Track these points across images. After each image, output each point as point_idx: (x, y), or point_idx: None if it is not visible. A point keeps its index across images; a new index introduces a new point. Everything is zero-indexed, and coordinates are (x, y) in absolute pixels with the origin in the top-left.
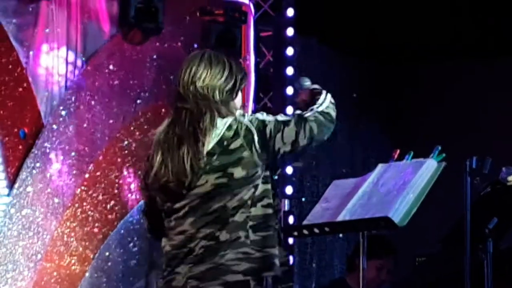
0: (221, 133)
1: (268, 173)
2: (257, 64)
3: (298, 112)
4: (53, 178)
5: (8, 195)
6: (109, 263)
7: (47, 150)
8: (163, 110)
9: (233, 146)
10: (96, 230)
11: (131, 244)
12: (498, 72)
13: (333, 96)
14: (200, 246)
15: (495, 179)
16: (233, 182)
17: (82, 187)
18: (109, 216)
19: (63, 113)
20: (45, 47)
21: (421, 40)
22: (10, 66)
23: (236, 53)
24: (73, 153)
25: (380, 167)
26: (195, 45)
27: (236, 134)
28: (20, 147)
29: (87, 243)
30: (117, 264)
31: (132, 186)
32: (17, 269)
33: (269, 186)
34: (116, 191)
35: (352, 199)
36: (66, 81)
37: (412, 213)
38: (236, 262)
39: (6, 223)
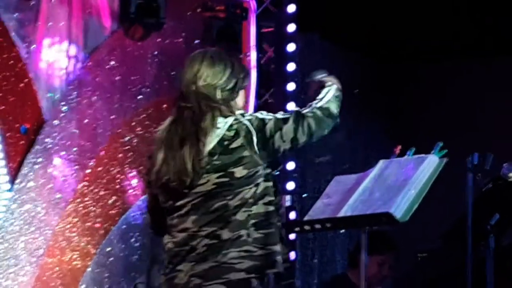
0: (222, 133)
1: (269, 170)
2: (258, 60)
3: (296, 109)
4: (55, 174)
5: (10, 190)
6: (111, 258)
7: (49, 146)
8: (164, 105)
9: (233, 145)
10: (97, 225)
11: (133, 240)
12: (497, 70)
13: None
14: (203, 244)
15: (496, 175)
16: (235, 181)
17: (84, 183)
18: (111, 212)
19: (65, 108)
20: (46, 42)
21: (422, 38)
22: (11, 62)
23: (238, 49)
24: (74, 149)
25: (381, 163)
26: (197, 41)
27: (237, 134)
28: (22, 142)
29: (88, 238)
30: (119, 259)
31: (134, 181)
32: (19, 264)
33: (270, 183)
34: (117, 186)
35: (354, 195)
36: (67, 77)
37: (414, 209)
38: (238, 260)
39: (8, 218)
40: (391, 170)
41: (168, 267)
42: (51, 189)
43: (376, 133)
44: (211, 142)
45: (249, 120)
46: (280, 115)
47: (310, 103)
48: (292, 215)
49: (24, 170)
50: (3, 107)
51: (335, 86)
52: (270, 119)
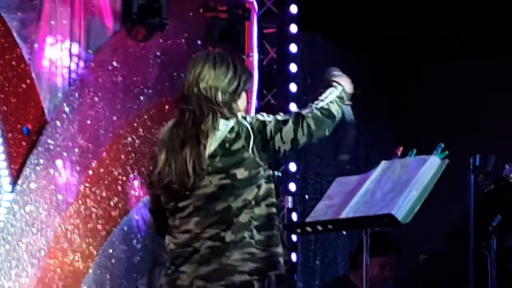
0: (223, 135)
1: (271, 172)
2: (260, 61)
3: (296, 110)
4: (57, 175)
5: (12, 191)
6: (113, 260)
7: (51, 147)
8: (166, 106)
9: (235, 147)
10: (99, 226)
11: (135, 241)
12: (499, 70)
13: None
14: (206, 246)
15: (498, 176)
16: (237, 183)
17: (86, 184)
18: (113, 213)
19: (67, 109)
20: (48, 43)
21: (423, 37)
22: (14, 62)
23: (240, 50)
24: (76, 150)
25: (383, 164)
26: (199, 42)
27: (238, 136)
28: (24, 143)
29: (90, 240)
30: (121, 261)
31: (136, 183)
32: (20, 265)
33: (272, 185)
34: (119, 187)
35: (355, 196)
36: (69, 78)
37: (416, 210)
38: (242, 262)
39: (10, 219)
40: (393, 171)
41: (170, 268)
42: (53, 191)
43: (377, 133)
44: (212, 144)
45: (250, 122)
46: (280, 116)
47: (311, 104)
48: (294, 217)
49: (26, 171)
50: (5, 108)
51: (340, 88)
52: (270, 121)
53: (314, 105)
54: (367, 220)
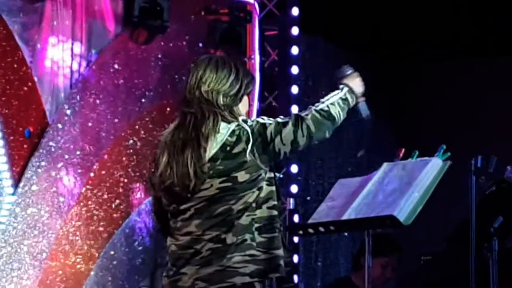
0: (224, 139)
1: (272, 174)
2: (262, 63)
3: (296, 112)
4: (58, 177)
5: (13, 194)
6: (114, 262)
7: (52, 149)
8: (168, 109)
9: (235, 150)
10: (101, 229)
11: (136, 243)
12: (499, 70)
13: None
14: (207, 248)
15: (500, 178)
16: (238, 186)
17: (87, 186)
18: (114, 215)
19: (68, 112)
20: (50, 46)
21: (424, 38)
22: (15, 65)
23: (241, 52)
24: (78, 152)
25: (385, 166)
26: (200, 45)
27: (239, 139)
28: (25, 146)
29: (92, 242)
30: (122, 263)
31: (137, 185)
32: (22, 268)
33: (273, 187)
34: (121, 190)
35: (358, 197)
36: (71, 80)
37: (417, 211)
38: (243, 264)
39: (11, 222)
40: (395, 173)
41: (171, 269)
42: (55, 193)
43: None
44: (212, 147)
45: (250, 125)
46: (280, 119)
47: (310, 106)
48: (295, 218)
49: (28, 173)
50: (7, 110)
51: (346, 89)
52: (270, 124)
53: (314, 107)
54: (369, 222)
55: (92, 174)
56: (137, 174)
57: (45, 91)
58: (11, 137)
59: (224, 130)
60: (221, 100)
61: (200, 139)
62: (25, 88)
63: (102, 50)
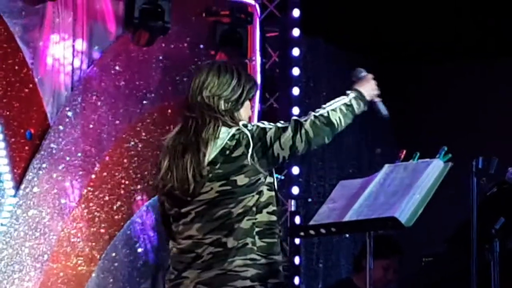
0: (224, 143)
1: (272, 179)
2: (263, 65)
3: (295, 117)
4: (60, 179)
5: (15, 195)
6: (116, 264)
7: (54, 151)
8: (169, 110)
9: (235, 154)
10: (102, 230)
11: (137, 245)
12: (500, 72)
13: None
14: (208, 252)
15: (501, 179)
16: (237, 189)
17: (89, 188)
18: (116, 217)
19: (69, 114)
20: (51, 47)
21: (425, 39)
22: (16, 67)
23: (242, 53)
24: (79, 154)
25: (386, 167)
26: (201, 46)
27: (238, 143)
28: (27, 148)
29: (93, 244)
30: (124, 265)
31: (138, 186)
32: (23, 269)
33: (273, 193)
34: (122, 191)
35: (359, 199)
36: (72, 82)
37: (419, 213)
38: (244, 268)
39: (13, 223)
40: (396, 174)
41: (173, 273)
42: (56, 195)
43: (379, 136)
44: (212, 152)
45: (250, 130)
46: (280, 124)
47: (311, 112)
48: (297, 220)
49: (29, 175)
50: (8, 112)
51: (352, 95)
52: (270, 128)
53: (313, 113)
54: (370, 223)
55: (93, 176)
56: (138, 175)
57: (46, 92)
58: (13, 139)
59: (224, 134)
60: (222, 105)
61: (200, 144)
62: (26, 90)
63: (103, 52)
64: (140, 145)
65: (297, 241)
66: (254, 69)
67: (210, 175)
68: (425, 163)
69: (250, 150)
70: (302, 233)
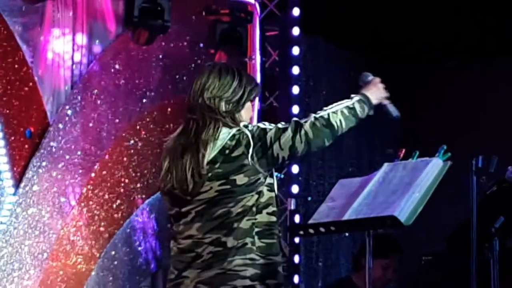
0: (224, 143)
1: (272, 180)
2: (263, 64)
3: (295, 119)
4: (59, 177)
5: (14, 194)
6: (115, 262)
7: (53, 150)
8: (169, 109)
9: (235, 154)
10: (102, 229)
11: (137, 243)
12: (500, 71)
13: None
14: (208, 251)
15: (501, 178)
16: (236, 189)
17: (88, 186)
18: (115, 215)
19: (69, 112)
20: (51, 46)
21: (425, 38)
22: (16, 66)
23: (242, 52)
24: (79, 152)
25: (386, 166)
26: (201, 45)
27: (238, 143)
28: (26, 146)
29: (93, 242)
30: (123, 263)
31: (138, 185)
32: (23, 268)
33: (273, 194)
34: (122, 190)
35: (358, 198)
36: (72, 80)
37: (418, 212)
38: (243, 267)
39: (12, 222)
40: (395, 173)
41: (173, 272)
42: (56, 193)
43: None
44: (211, 153)
45: (251, 130)
46: (281, 125)
47: (311, 114)
48: (296, 219)
49: (29, 174)
50: (8, 111)
51: (356, 98)
52: (271, 129)
53: (314, 115)
54: (369, 222)
55: (93, 174)
56: (138, 174)
57: (46, 91)
58: (12, 137)
59: (225, 135)
60: (223, 106)
61: (199, 145)
62: (26, 89)
63: (103, 51)
64: (140, 144)
65: (296, 239)
66: (254, 68)
67: (210, 174)
68: (425, 161)
69: (250, 150)
70: (301, 232)
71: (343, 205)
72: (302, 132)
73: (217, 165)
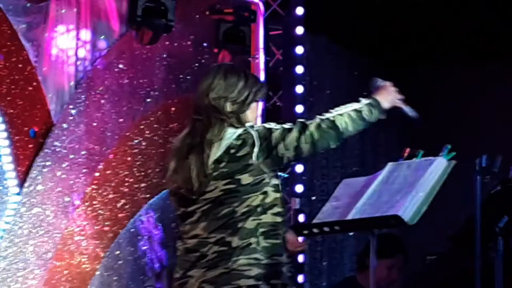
0: (229, 142)
1: (278, 181)
2: (266, 63)
3: (301, 119)
4: (63, 177)
5: (19, 194)
6: (120, 262)
7: (57, 149)
8: (173, 108)
9: (240, 153)
10: (106, 228)
11: (141, 243)
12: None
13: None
14: (213, 251)
15: (505, 177)
16: (241, 188)
17: (93, 186)
18: (119, 215)
19: (73, 112)
20: (55, 45)
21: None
22: (20, 65)
23: (246, 52)
24: (83, 152)
25: (390, 165)
26: (205, 44)
27: (244, 143)
28: (31, 146)
29: (97, 242)
30: (128, 263)
31: (142, 184)
32: (27, 267)
33: (279, 194)
34: (126, 189)
35: (362, 197)
36: (76, 80)
37: (422, 211)
38: (248, 267)
39: (17, 221)
40: (400, 173)
41: (179, 272)
42: (60, 193)
43: (383, 135)
44: (216, 153)
45: (257, 130)
46: (286, 125)
47: (317, 115)
48: (301, 218)
49: (33, 173)
50: (12, 110)
51: (365, 101)
52: (277, 129)
53: (320, 116)
54: (373, 221)
55: (97, 174)
56: (142, 173)
57: (50, 90)
58: (16, 137)
59: (230, 135)
60: (228, 107)
61: (204, 145)
62: (30, 88)
63: (107, 50)
64: (144, 143)
65: (300, 239)
66: (257, 67)
67: (215, 173)
68: (429, 161)
69: (255, 150)
70: (306, 231)
71: (347, 204)
72: (308, 133)
73: (222, 165)
